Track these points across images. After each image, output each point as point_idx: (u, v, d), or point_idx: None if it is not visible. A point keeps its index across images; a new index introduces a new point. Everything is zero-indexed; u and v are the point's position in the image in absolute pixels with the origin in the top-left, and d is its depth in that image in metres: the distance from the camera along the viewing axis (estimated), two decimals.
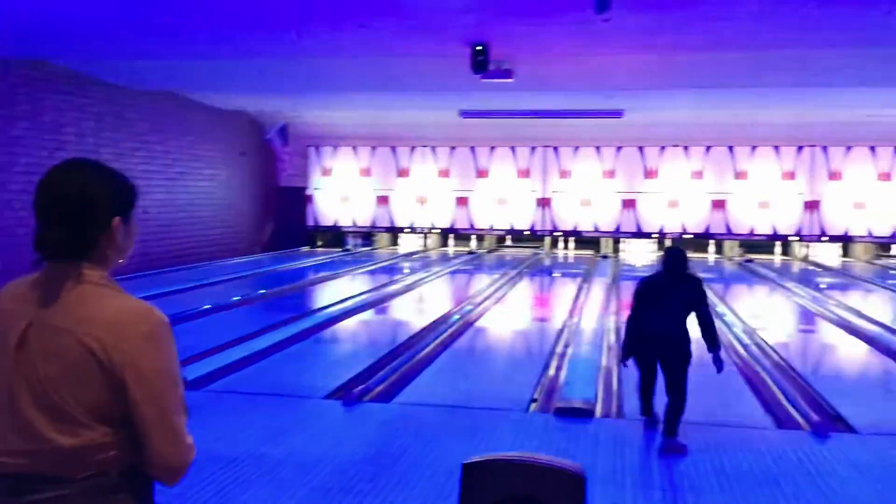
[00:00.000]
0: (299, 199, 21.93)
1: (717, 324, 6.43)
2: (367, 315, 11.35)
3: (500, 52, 11.48)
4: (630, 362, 5.68)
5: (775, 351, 8.46)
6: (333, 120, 20.59)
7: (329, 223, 22.00)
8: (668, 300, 5.42)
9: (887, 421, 6.03)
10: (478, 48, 11.31)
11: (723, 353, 5.64)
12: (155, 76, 14.12)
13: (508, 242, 22.03)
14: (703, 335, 5.45)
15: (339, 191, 21.87)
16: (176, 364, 1.81)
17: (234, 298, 12.18)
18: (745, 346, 8.65)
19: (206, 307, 11.10)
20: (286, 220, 21.67)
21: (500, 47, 11.31)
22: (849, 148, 19.77)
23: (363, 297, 12.73)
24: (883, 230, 19.73)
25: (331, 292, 14.06)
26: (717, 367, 5.44)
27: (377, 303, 12.35)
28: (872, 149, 19.65)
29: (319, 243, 22.15)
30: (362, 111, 19.39)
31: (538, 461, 2.26)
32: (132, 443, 1.76)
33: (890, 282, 15.54)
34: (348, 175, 21.80)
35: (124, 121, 15.14)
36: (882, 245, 20.15)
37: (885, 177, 19.66)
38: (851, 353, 9.18)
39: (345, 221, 21.94)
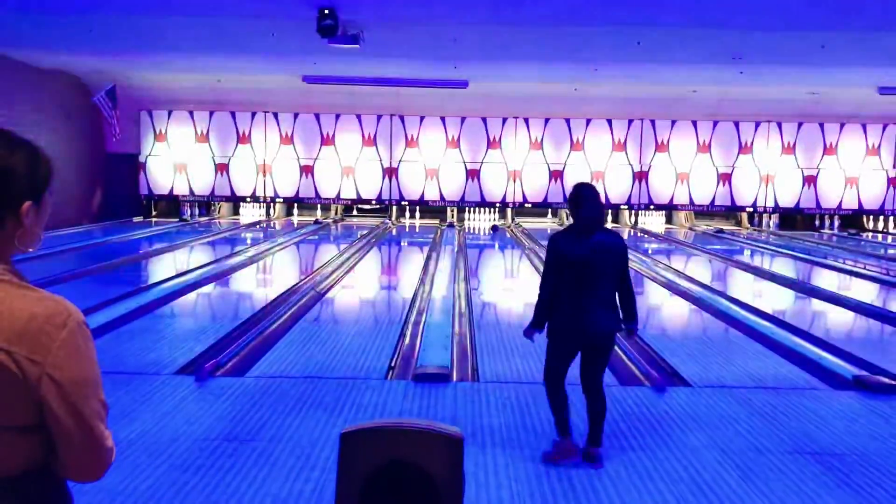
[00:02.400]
0: (131, 166, 20.79)
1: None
2: (211, 288, 10.90)
3: (348, 17, 11.32)
4: (536, 337, 4.60)
5: None
6: (168, 83, 19.57)
7: (164, 192, 21.04)
8: (597, 275, 4.35)
9: (717, 376, 6.52)
10: (325, 11, 11.09)
11: None
12: None
13: (355, 212, 21.89)
14: (622, 304, 4.52)
15: (175, 158, 20.91)
16: (96, 365, 1.63)
17: (63, 272, 11.37)
18: None
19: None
20: (117, 188, 20.50)
21: (348, 12, 11.16)
22: (674, 122, 20.93)
23: (205, 269, 12.20)
24: (703, 199, 21.11)
25: (169, 265, 13.46)
26: (632, 337, 4.74)
27: (221, 276, 11.88)
28: (694, 123, 20.88)
29: (154, 213, 21.15)
30: (199, 74, 18.61)
31: (416, 426, 2.24)
32: (44, 445, 1.62)
33: (709, 247, 16.68)
34: (184, 141, 20.87)
35: None
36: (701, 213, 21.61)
37: (705, 149, 20.99)
38: (681, 314, 9.75)
39: (181, 190, 21.04)
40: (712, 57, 14.10)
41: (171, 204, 21.33)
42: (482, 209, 21.27)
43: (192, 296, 10.14)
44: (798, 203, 21.09)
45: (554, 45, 13.24)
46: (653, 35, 12.37)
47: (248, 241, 16.74)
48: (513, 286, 11.94)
